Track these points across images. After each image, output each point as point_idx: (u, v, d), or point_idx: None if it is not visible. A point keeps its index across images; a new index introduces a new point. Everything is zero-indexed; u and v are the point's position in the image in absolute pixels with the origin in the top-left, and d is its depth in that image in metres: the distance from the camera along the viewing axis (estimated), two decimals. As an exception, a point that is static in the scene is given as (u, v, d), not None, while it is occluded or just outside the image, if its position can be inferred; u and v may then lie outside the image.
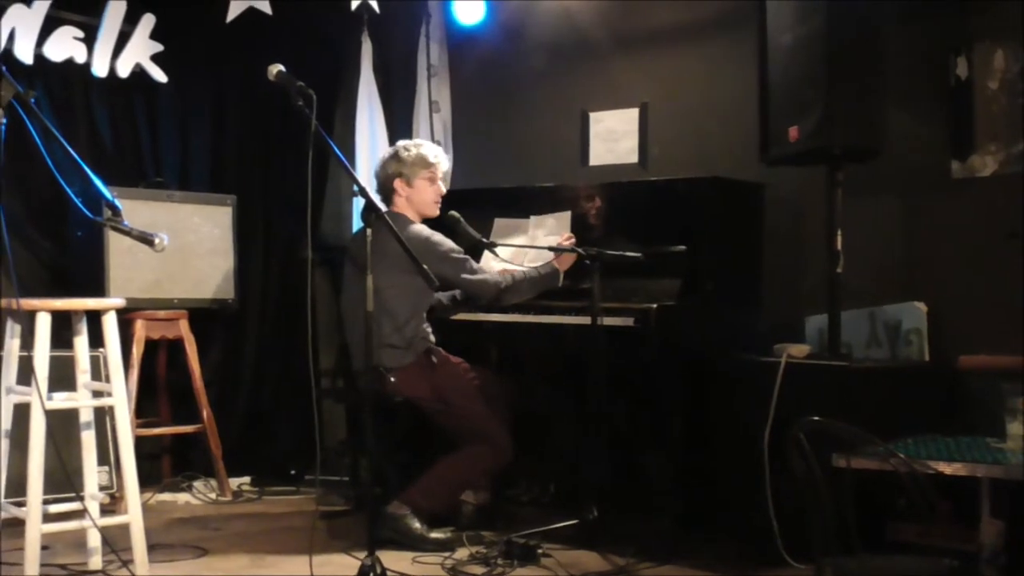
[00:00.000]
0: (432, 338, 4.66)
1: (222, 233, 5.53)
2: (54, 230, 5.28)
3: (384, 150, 5.13)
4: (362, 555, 3.75)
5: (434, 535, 4.40)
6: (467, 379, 4.64)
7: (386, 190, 4.75)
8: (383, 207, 4.09)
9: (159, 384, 5.61)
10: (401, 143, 4.85)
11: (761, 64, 4.59)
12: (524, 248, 4.93)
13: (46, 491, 3.77)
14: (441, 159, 4.80)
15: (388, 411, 4.62)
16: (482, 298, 4.64)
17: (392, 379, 4.46)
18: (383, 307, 4.38)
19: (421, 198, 4.73)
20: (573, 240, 4.69)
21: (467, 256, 4.62)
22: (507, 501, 5.09)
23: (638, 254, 4.43)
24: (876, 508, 3.89)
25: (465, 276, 4.58)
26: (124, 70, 5.41)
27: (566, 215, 5.00)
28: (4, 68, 3.44)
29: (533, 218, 5.09)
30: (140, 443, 4.99)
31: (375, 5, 5.74)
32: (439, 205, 4.78)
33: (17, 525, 3.77)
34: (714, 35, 5.42)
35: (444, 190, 4.79)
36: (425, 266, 4.02)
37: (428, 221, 4.75)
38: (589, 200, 5.03)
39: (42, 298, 3.85)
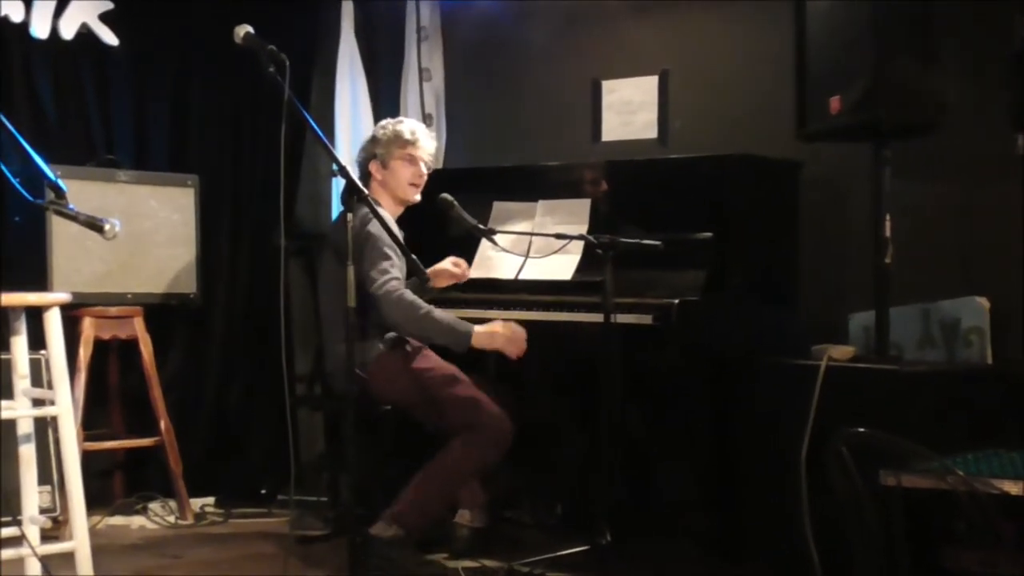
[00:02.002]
0: None
1: (183, 218, 5.53)
2: (-11, 215, 5.28)
3: (367, 123, 5.13)
4: (343, 586, 3.74)
5: (428, 559, 4.39)
6: (442, 363, 4.63)
7: (363, 176, 4.78)
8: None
9: (110, 391, 5.61)
10: (382, 122, 4.91)
11: (798, 25, 4.57)
12: (528, 236, 4.92)
13: (-22, 514, 3.77)
14: (421, 136, 4.81)
15: (372, 420, 4.61)
16: (382, 305, 4.52)
17: (363, 375, 4.44)
18: (365, 301, 4.38)
19: (397, 180, 4.76)
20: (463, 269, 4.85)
21: (387, 267, 4.55)
22: (508, 523, 5.09)
23: (657, 242, 4.41)
24: (930, 532, 3.87)
25: (378, 267, 4.51)
26: (68, 31, 5.40)
27: (584, 203, 4.98)
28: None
29: (541, 203, 5.08)
30: (88, 459, 4.98)
31: (357, -42, 5.75)
32: (418, 189, 4.79)
33: (-56, 553, 3.76)
34: (745, -8, 5.42)
35: (425, 172, 4.80)
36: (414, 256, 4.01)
37: (413, 209, 4.75)
38: (601, 181, 5.02)
39: (-26, 292, 3.84)
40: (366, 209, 4.14)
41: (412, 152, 4.76)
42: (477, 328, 4.47)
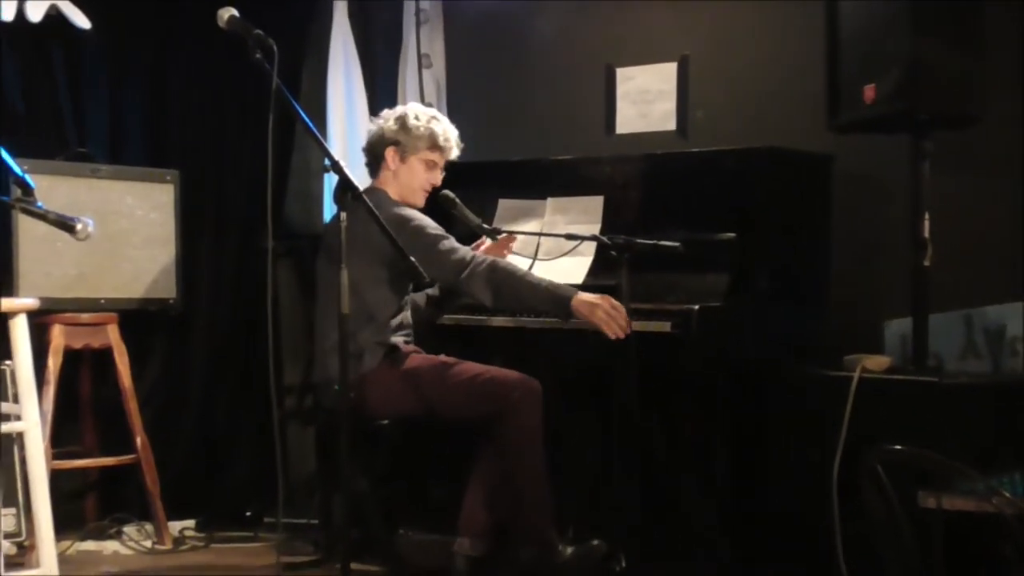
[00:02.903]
0: (404, 341, 4.66)
1: (162, 217, 5.53)
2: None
3: (362, 114, 5.12)
4: (335, 616, 3.74)
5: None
6: (430, 357, 4.65)
7: (374, 156, 4.76)
8: (359, 183, 4.06)
9: (82, 405, 5.61)
10: (414, 106, 4.89)
11: (829, 8, 4.58)
12: (536, 236, 4.92)
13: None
14: (454, 143, 4.84)
15: (368, 436, 4.60)
16: (457, 279, 4.52)
17: (352, 394, 4.44)
18: (362, 307, 4.38)
19: (410, 180, 4.76)
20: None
21: (446, 233, 4.59)
22: (512, 548, 5.08)
23: (676, 244, 4.41)
24: (973, 558, 3.86)
25: (440, 248, 4.52)
26: (36, 13, 5.38)
27: (597, 200, 4.98)
28: None
29: (551, 200, 5.08)
30: (57, 478, 4.98)
31: (351, -65, 5.76)
32: (426, 196, 4.79)
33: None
34: (771, -29, 5.42)
35: (439, 182, 4.81)
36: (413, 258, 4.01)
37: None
38: (615, 177, 5.02)
39: (-65, 297, 3.85)
40: (378, 199, 4.15)
41: (437, 158, 4.78)
42: (580, 294, 4.41)
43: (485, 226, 4.74)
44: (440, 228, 4.60)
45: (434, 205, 4.74)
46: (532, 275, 4.52)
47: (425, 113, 4.83)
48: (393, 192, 4.74)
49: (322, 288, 4.78)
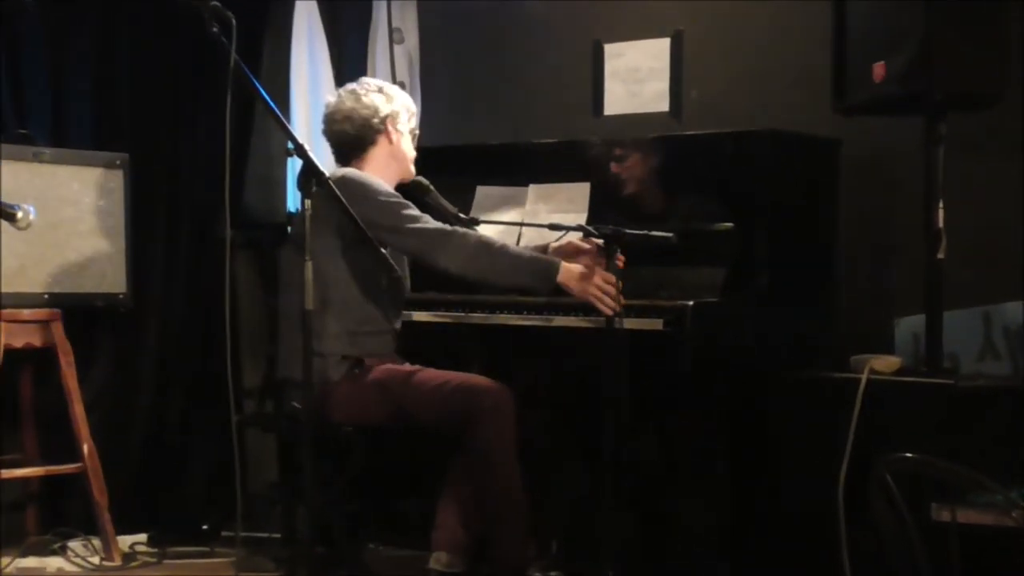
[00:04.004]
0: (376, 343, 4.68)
1: (110, 205, 5.51)
2: None
3: (328, 93, 5.10)
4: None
5: None
6: (399, 366, 4.65)
7: (367, 134, 4.73)
8: (327, 168, 4.05)
9: (22, 409, 5.58)
10: (371, 80, 4.90)
11: (837, -22, 4.60)
12: (517, 226, 4.92)
13: None
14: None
15: (333, 443, 4.60)
16: (434, 256, 4.52)
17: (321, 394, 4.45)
18: (329, 304, 4.39)
19: (406, 152, 4.82)
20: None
21: (408, 203, 4.60)
22: (492, 564, 5.08)
23: (669, 234, 4.41)
24: (990, 575, 3.88)
25: (409, 225, 4.51)
26: (-30, -18, 5.39)
27: (583, 188, 4.99)
28: None
29: (533, 187, 5.09)
30: (-3, 488, 4.98)
31: None
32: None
33: None
34: (773, -61, 5.43)
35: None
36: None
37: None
38: (603, 161, 5.03)
39: None
40: (335, 176, 4.14)
41: (414, 128, 4.85)
42: (566, 264, 4.42)
43: (461, 215, 4.73)
44: (408, 202, 4.59)
45: (406, 193, 4.73)
46: (511, 246, 4.54)
47: (387, 85, 4.90)
48: (392, 172, 4.74)
49: (288, 281, 4.77)
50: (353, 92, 4.80)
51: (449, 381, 4.49)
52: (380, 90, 4.80)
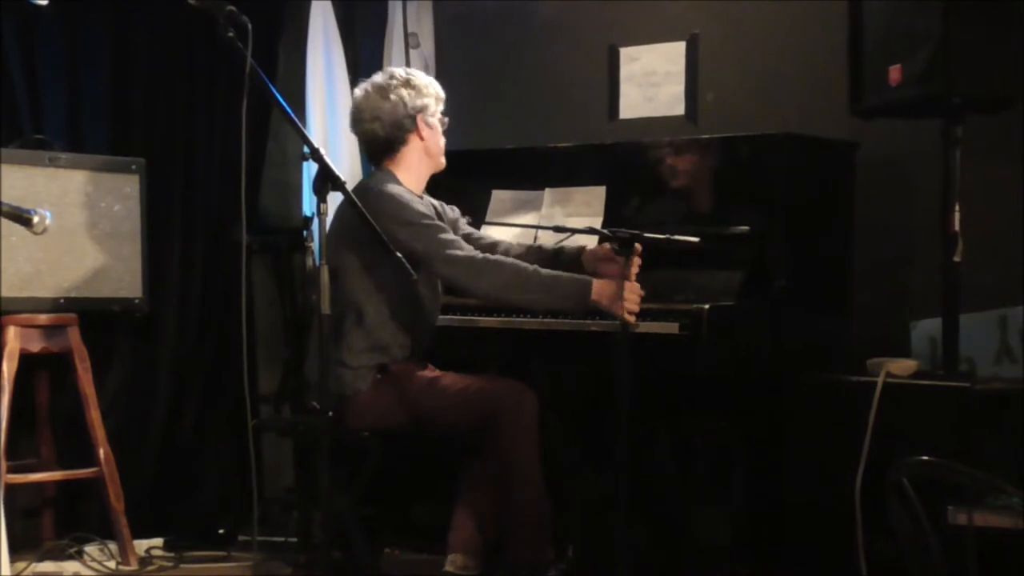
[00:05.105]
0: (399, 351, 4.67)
1: (126, 210, 5.52)
2: None
3: (344, 98, 5.10)
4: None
5: None
6: (420, 374, 4.64)
7: (397, 135, 4.65)
8: (344, 173, 4.04)
9: (39, 414, 5.59)
10: (397, 70, 4.77)
11: (853, -19, 4.60)
12: (533, 229, 4.92)
13: None
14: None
15: (350, 448, 4.61)
16: (468, 285, 4.53)
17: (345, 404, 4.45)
18: (357, 317, 4.42)
19: (438, 145, 4.72)
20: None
21: (443, 225, 4.56)
22: (508, 566, 5.08)
23: (690, 239, 4.36)
24: (1007, 579, 3.88)
25: (445, 252, 4.47)
26: (-15, -14, 5.40)
27: (599, 191, 4.99)
28: None
29: (549, 191, 5.09)
30: (12, 494, 4.98)
31: (331, -98, 5.77)
32: None
33: None
34: (789, -58, 5.43)
35: None
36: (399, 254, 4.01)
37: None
38: (619, 165, 5.03)
39: None
40: (365, 186, 4.12)
41: (443, 115, 4.74)
42: (592, 282, 4.37)
43: (464, 217, 4.73)
44: (443, 225, 4.56)
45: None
46: (541, 269, 4.46)
47: (411, 71, 4.78)
48: (424, 168, 4.69)
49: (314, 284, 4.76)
50: (381, 88, 4.67)
51: (471, 385, 4.49)
52: (408, 83, 4.66)
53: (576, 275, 4.46)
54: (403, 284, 4.44)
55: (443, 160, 4.75)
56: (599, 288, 4.34)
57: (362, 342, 4.51)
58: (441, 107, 4.72)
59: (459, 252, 4.45)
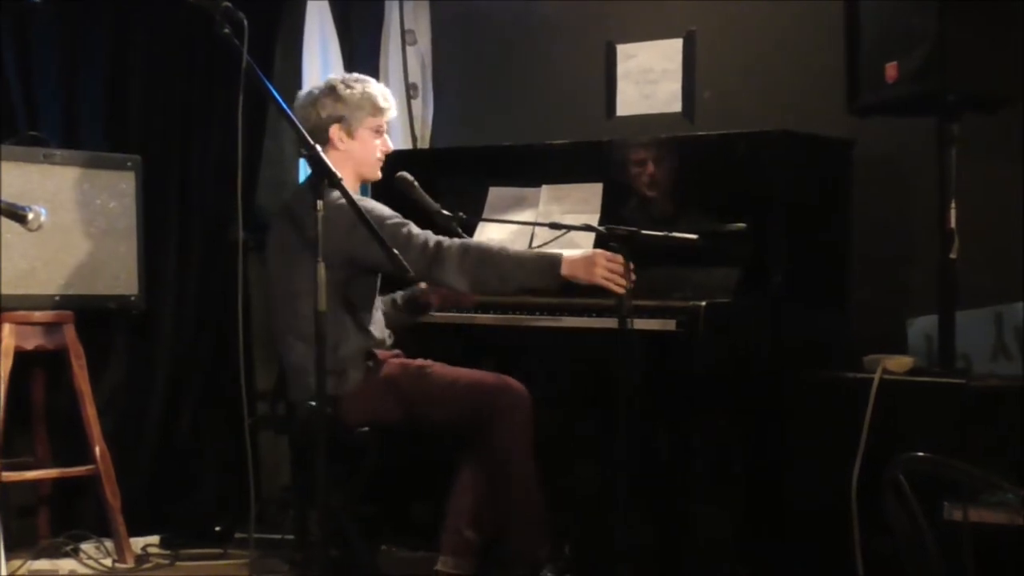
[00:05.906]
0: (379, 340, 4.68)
1: (122, 207, 5.52)
2: None
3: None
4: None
5: None
6: (408, 361, 4.64)
7: (317, 138, 4.65)
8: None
9: (34, 411, 5.60)
10: (336, 77, 4.75)
11: (849, -21, 4.60)
12: (530, 226, 4.93)
13: None
14: (392, 102, 4.75)
15: (347, 445, 4.61)
16: (427, 272, 4.47)
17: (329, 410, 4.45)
18: (336, 309, 4.42)
19: (364, 155, 4.66)
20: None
21: (405, 220, 4.52)
22: (504, 564, 5.09)
23: (688, 236, 4.35)
24: (1004, 574, 3.89)
25: (403, 235, 4.43)
26: (-21, -18, 5.40)
27: (596, 188, 5.00)
28: None
29: (546, 188, 5.10)
30: (8, 492, 4.98)
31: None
32: (381, 165, 4.74)
33: None
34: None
35: (391, 147, 4.76)
36: (387, 250, 4.00)
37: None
38: (616, 162, 5.03)
39: None
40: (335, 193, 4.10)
41: (382, 122, 4.68)
42: (567, 254, 4.39)
43: (445, 212, 4.65)
44: (397, 214, 4.52)
45: (389, 189, 4.69)
46: (508, 248, 4.48)
47: (351, 78, 4.72)
48: (347, 173, 4.63)
49: (278, 290, 4.70)
50: (309, 94, 4.71)
51: (462, 378, 4.50)
52: (332, 91, 4.65)
53: (544, 251, 4.50)
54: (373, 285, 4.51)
55: (372, 173, 4.71)
56: (571, 262, 4.35)
57: (348, 333, 4.51)
58: (382, 117, 4.67)
59: (415, 241, 4.41)
